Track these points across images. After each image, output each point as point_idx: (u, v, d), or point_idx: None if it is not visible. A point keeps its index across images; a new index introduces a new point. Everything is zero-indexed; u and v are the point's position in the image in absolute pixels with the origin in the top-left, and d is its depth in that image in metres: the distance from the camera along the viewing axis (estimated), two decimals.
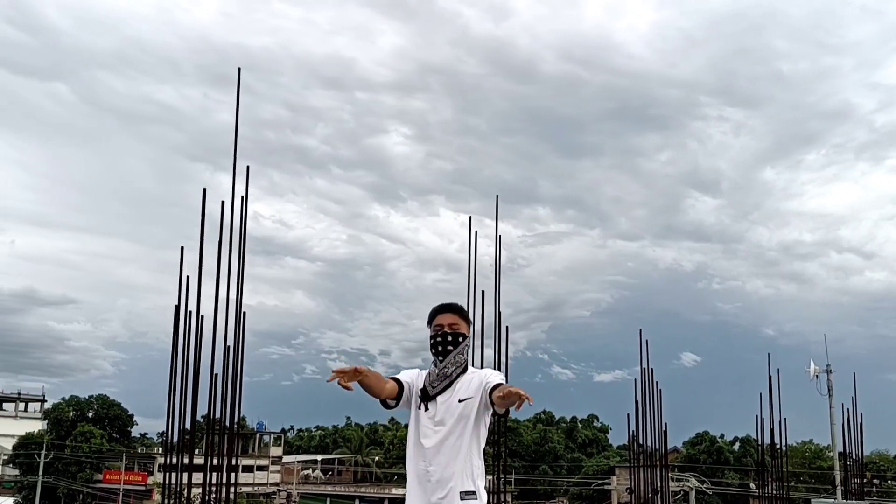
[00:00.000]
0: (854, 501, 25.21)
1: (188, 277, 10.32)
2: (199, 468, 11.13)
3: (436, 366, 4.23)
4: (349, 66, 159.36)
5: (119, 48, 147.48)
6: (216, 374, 10.25)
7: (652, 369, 15.71)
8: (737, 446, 72.39)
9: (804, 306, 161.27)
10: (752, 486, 57.15)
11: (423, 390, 4.21)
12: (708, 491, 53.20)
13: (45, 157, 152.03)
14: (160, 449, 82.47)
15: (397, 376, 4.28)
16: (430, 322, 4.32)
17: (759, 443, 21.91)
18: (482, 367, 8.22)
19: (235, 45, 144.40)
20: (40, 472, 59.71)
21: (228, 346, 10.21)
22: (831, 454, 35.13)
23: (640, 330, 15.21)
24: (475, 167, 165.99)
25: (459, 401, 4.11)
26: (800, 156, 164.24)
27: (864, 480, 28.71)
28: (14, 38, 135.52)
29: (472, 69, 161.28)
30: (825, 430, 31.35)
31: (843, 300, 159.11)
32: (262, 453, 73.03)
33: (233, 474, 10.76)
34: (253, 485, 64.79)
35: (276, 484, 68.25)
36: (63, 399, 73.90)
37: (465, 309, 4.44)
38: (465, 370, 4.22)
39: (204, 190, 9.49)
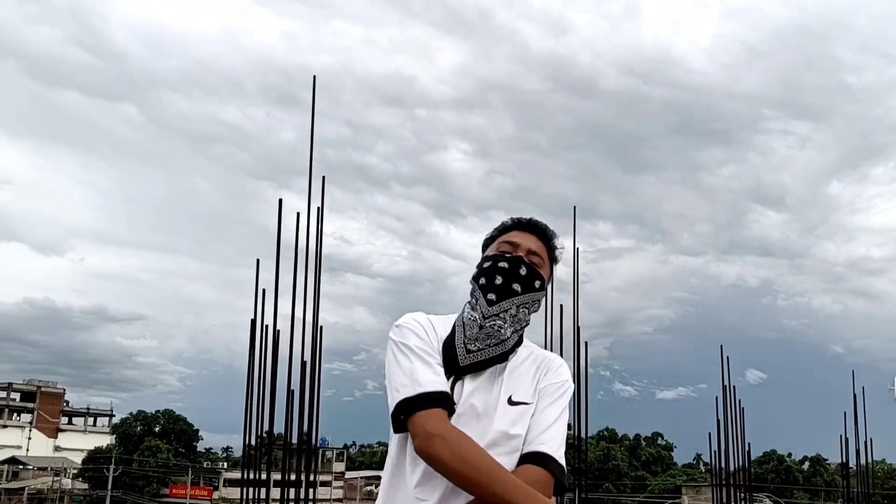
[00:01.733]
0: None
1: (264, 291, 10.17)
2: (275, 483, 11.00)
3: (478, 313, 2.18)
4: (409, 83, 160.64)
5: (185, 70, 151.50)
6: (293, 391, 10.07)
7: (734, 387, 15.13)
8: (806, 465, 70.49)
9: (874, 322, 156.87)
10: None
11: (448, 356, 2.15)
12: None
13: (115, 177, 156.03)
14: (225, 464, 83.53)
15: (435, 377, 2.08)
16: (490, 240, 2.34)
17: (845, 462, 21.06)
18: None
19: (298, 65, 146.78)
20: (109, 486, 60.76)
21: (305, 362, 10.05)
22: None
23: (721, 346, 14.68)
24: (536, 183, 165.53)
25: (512, 403, 2.12)
26: (867, 169, 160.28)
27: None
28: (84, 62, 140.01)
29: (532, 85, 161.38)
30: None
31: None
32: (326, 469, 73.33)
33: (309, 490, 10.59)
34: (315, 500, 64.90)
35: (340, 500, 68.33)
36: (130, 414, 75.44)
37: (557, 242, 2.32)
38: (520, 341, 2.23)
39: (280, 201, 9.35)
